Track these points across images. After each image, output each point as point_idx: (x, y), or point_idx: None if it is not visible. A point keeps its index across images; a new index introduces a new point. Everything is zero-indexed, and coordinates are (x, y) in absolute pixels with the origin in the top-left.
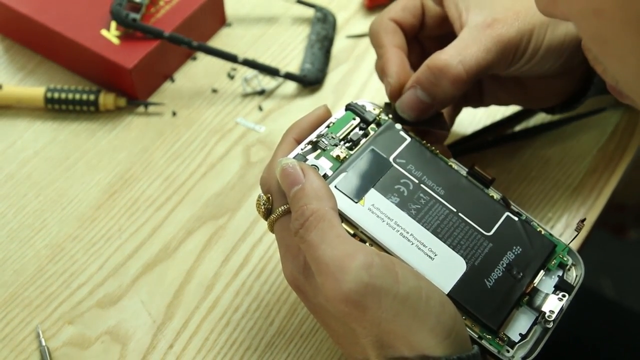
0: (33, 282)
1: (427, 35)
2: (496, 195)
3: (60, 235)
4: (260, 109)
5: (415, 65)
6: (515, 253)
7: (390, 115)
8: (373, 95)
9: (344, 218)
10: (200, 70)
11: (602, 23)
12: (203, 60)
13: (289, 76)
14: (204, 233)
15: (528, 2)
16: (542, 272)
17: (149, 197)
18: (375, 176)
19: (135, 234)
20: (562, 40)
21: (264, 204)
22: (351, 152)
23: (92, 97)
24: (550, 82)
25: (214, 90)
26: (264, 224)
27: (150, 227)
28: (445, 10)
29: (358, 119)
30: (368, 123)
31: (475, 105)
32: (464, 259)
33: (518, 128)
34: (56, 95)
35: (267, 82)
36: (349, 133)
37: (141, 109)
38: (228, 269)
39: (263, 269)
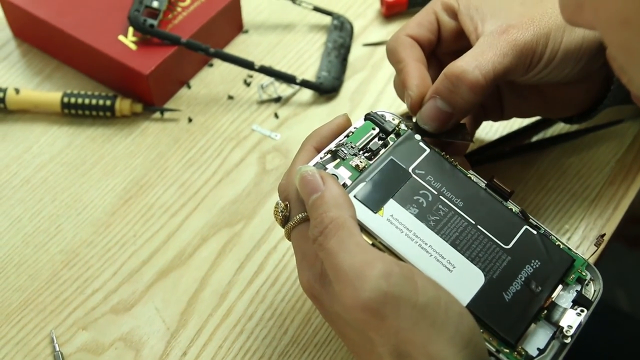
0: (47, 287)
1: (444, 51)
2: (515, 208)
3: (75, 241)
4: (276, 116)
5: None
6: (534, 267)
7: (412, 127)
8: (390, 104)
9: (362, 228)
10: (216, 77)
11: (630, 33)
12: (219, 67)
13: (305, 84)
14: (218, 240)
15: (543, 8)
16: (560, 287)
17: (164, 203)
18: (394, 187)
19: (150, 240)
20: (579, 44)
21: (281, 211)
22: (370, 162)
23: (108, 102)
24: (570, 89)
25: (230, 97)
26: (278, 232)
27: (165, 233)
28: (461, 23)
29: (377, 129)
30: (387, 133)
31: (496, 119)
32: (482, 272)
33: (535, 138)
34: (73, 100)
35: (284, 89)
36: (368, 143)
37: (157, 115)
38: (242, 276)
39: (277, 277)
